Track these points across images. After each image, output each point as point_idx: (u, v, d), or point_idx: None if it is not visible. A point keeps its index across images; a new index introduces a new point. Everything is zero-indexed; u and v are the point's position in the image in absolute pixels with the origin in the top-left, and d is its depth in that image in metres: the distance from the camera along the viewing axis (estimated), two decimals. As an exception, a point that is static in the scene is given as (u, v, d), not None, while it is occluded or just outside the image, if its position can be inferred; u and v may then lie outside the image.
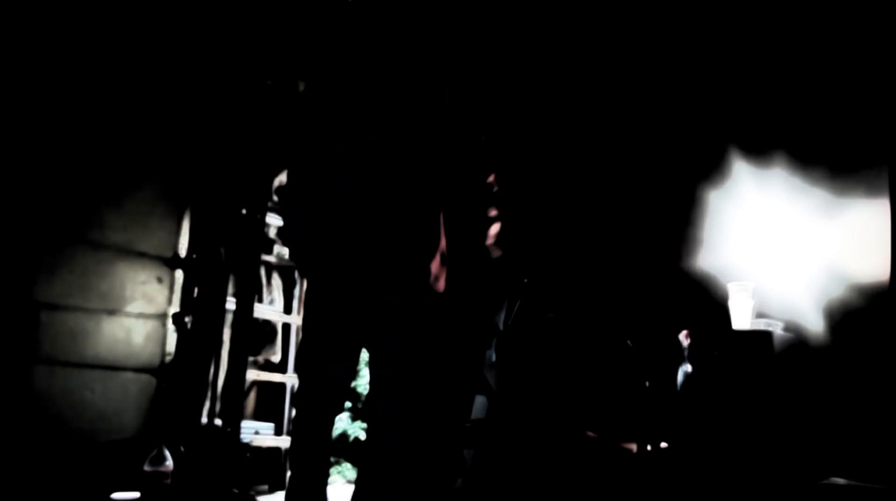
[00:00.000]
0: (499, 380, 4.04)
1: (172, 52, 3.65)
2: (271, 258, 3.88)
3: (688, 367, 3.48)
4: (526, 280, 4.36)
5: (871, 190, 3.73)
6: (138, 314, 3.47)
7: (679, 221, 4.43)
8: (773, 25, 4.24)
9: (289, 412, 4.10)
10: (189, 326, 3.51)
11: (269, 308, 3.92)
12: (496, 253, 2.84)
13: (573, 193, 4.92)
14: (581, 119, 4.97)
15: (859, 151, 3.87)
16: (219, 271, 3.59)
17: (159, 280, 3.56)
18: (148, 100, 3.55)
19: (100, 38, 3.39)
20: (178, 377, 3.45)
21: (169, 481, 3.02)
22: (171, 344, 3.54)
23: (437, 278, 2.35)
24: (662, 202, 4.56)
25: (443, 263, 2.36)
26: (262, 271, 3.91)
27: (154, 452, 2.99)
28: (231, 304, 3.59)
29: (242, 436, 3.42)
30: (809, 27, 4.10)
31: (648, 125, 4.72)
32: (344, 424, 6.01)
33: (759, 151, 4.12)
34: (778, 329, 3.45)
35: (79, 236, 3.29)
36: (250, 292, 3.59)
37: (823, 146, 3.97)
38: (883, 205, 3.63)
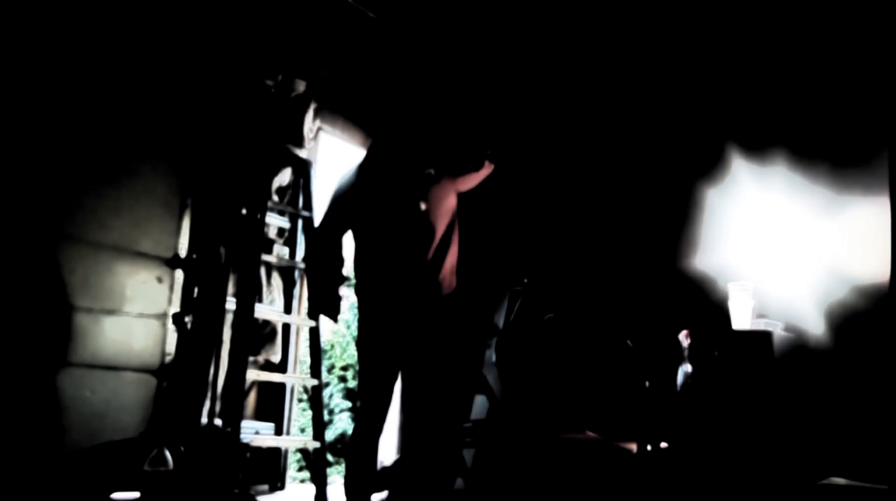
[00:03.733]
0: (499, 380, 4.04)
1: (173, 53, 3.65)
2: (271, 258, 3.88)
3: (688, 367, 3.48)
4: (526, 280, 4.36)
5: (871, 187, 3.72)
6: (138, 314, 3.47)
7: (678, 220, 4.42)
8: (773, 22, 4.23)
9: (289, 411, 4.10)
10: (189, 326, 3.51)
11: (269, 308, 3.92)
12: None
13: (573, 192, 4.92)
14: (580, 118, 4.96)
15: (859, 148, 3.86)
16: (219, 271, 3.59)
17: (159, 280, 3.56)
18: (149, 99, 3.55)
19: (100, 40, 3.39)
20: (178, 377, 3.45)
21: (169, 481, 3.02)
22: (171, 344, 3.54)
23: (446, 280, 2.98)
24: (662, 202, 4.56)
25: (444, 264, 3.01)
26: (262, 271, 3.90)
27: (154, 452, 2.99)
28: (231, 304, 3.59)
29: (242, 436, 3.42)
30: (809, 24, 4.10)
31: (647, 123, 4.72)
32: (344, 424, 6.00)
33: (758, 148, 4.11)
34: (778, 329, 3.45)
35: (79, 235, 3.29)
36: (250, 292, 3.59)
37: (824, 143, 3.97)
38: (883, 203, 3.63)
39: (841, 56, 3.95)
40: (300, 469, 5.19)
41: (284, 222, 4.06)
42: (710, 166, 4.29)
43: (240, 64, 3.90)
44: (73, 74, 3.29)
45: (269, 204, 3.83)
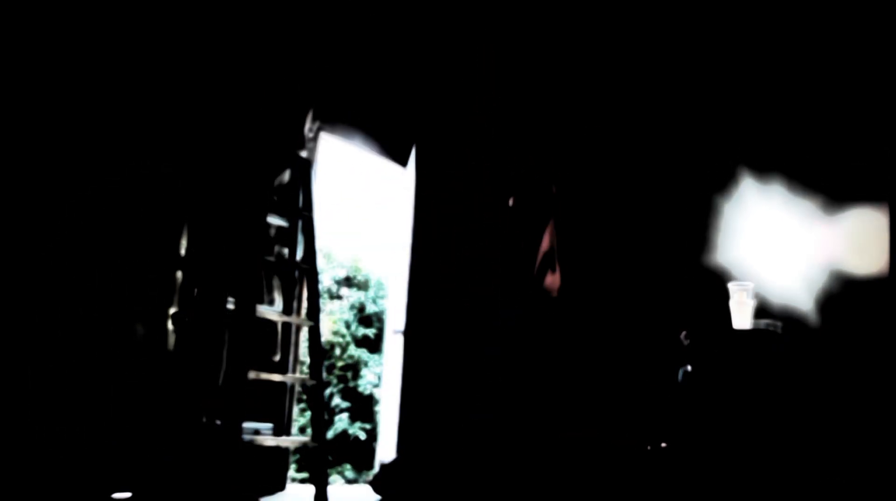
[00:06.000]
0: (507, 381, 4.05)
1: (175, 53, 3.66)
2: (271, 258, 3.88)
3: (688, 367, 3.48)
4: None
5: (862, 200, 3.98)
6: (138, 313, 3.48)
7: (677, 223, 4.45)
8: (776, 60, 4.54)
9: (289, 411, 4.10)
10: (189, 326, 3.51)
11: (269, 308, 3.92)
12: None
13: (575, 194, 4.93)
14: (587, 122, 5.00)
15: (852, 161, 4.08)
16: (219, 271, 3.59)
17: (159, 280, 3.56)
18: (150, 100, 3.55)
19: (102, 40, 3.40)
20: (179, 378, 3.45)
21: (168, 481, 3.02)
22: (170, 344, 3.55)
23: None
24: (659, 205, 4.58)
25: None
26: (262, 272, 3.90)
27: (155, 452, 2.99)
28: (231, 304, 3.59)
29: (242, 436, 3.42)
30: (805, 62, 4.45)
31: (647, 126, 4.76)
32: (344, 424, 6.00)
33: (763, 170, 4.31)
34: (778, 329, 3.46)
35: (79, 235, 3.29)
36: (250, 292, 3.59)
37: (817, 171, 4.28)
38: (876, 211, 3.72)
39: (836, 105, 4.34)
40: (300, 469, 5.20)
41: (284, 222, 4.06)
42: (712, 177, 4.42)
43: (240, 64, 3.90)
44: (77, 75, 3.30)
45: (269, 204, 3.83)
